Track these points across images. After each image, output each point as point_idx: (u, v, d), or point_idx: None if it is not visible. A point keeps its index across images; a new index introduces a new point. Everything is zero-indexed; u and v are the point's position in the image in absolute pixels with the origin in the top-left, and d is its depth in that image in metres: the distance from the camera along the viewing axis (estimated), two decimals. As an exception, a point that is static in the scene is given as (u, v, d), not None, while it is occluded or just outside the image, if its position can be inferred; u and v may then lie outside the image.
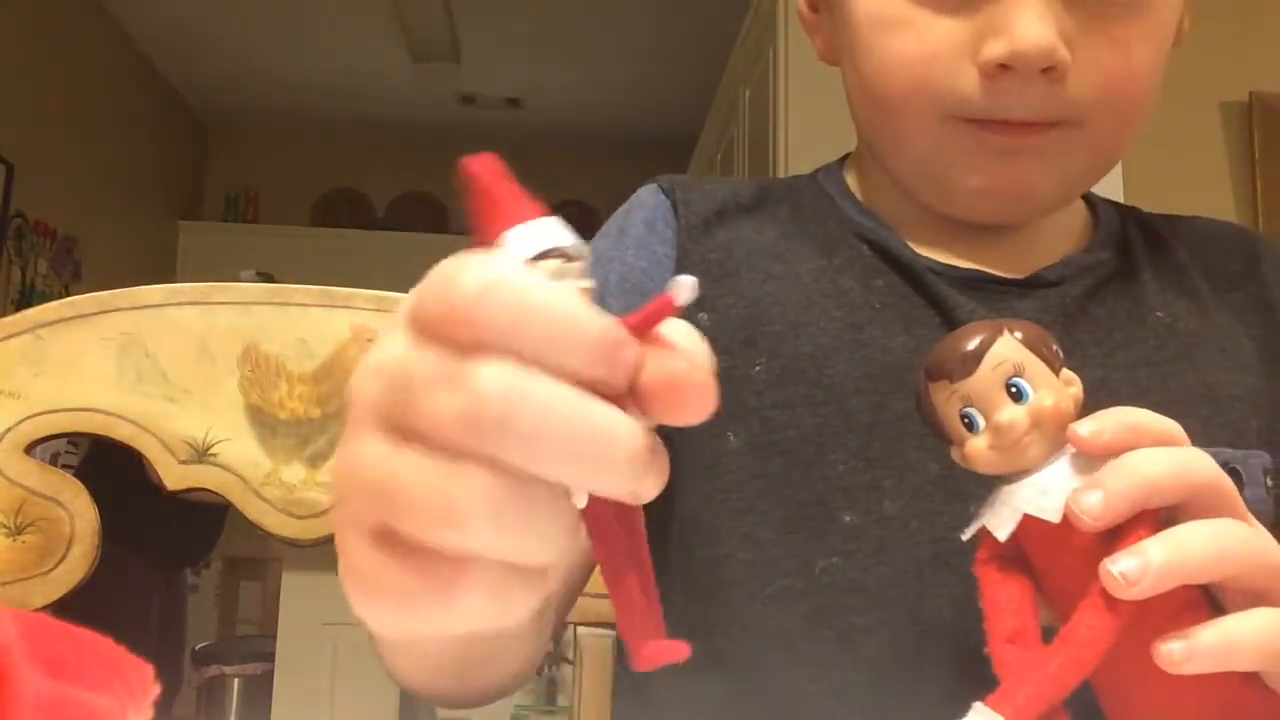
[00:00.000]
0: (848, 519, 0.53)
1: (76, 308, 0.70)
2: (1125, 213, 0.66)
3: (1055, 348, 0.36)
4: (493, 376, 0.25)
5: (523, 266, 0.26)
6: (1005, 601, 0.36)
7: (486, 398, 0.25)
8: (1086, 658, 0.33)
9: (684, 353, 0.27)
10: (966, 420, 0.35)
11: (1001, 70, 0.52)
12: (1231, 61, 2.44)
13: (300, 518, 0.70)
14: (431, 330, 0.26)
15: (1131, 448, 0.35)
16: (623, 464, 0.25)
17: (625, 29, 4.14)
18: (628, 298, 0.60)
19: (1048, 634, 0.35)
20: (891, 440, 0.53)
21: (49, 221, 3.80)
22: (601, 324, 0.26)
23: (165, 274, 4.66)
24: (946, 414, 0.36)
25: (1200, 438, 0.38)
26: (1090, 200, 0.66)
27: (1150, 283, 0.60)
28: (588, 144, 5.15)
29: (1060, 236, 0.62)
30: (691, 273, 0.63)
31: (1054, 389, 0.35)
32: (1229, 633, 0.34)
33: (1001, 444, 0.35)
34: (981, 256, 0.59)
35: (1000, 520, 0.36)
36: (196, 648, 3.08)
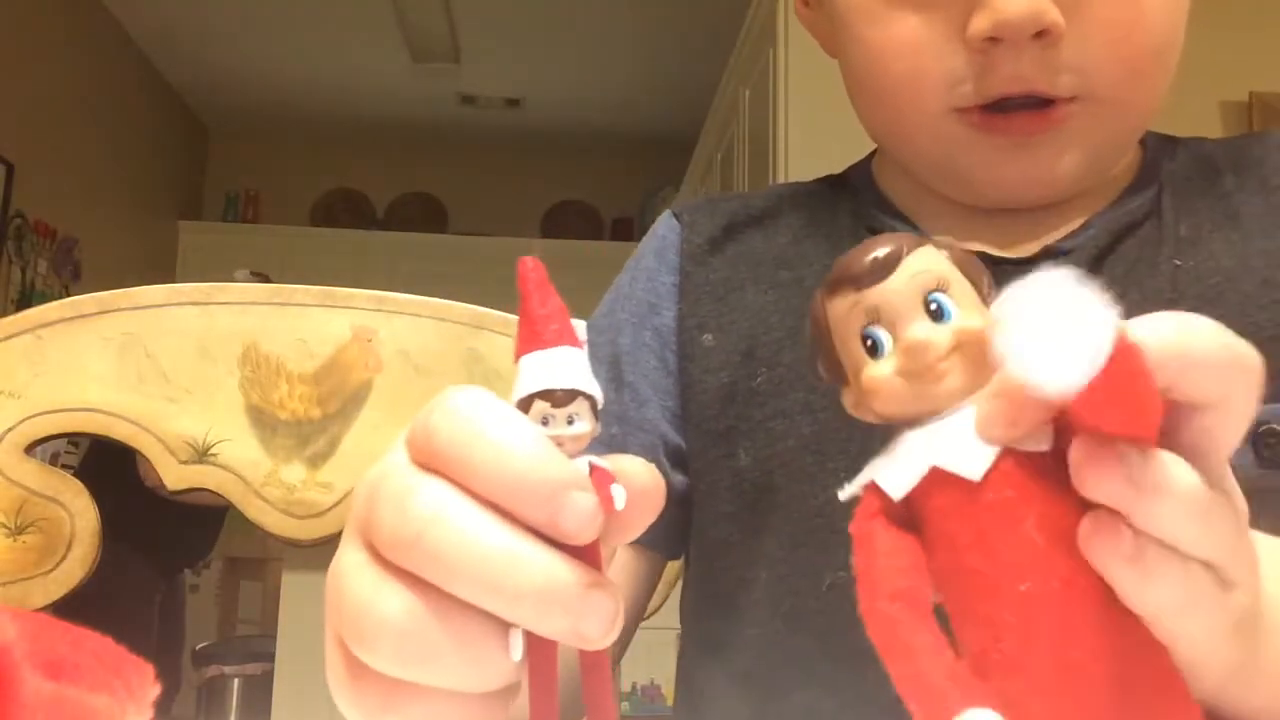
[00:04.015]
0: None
1: (77, 308, 0.70)
2: (1180, 146, 0.61)
3: (988, 280, 0.29)
4: (424, 497, 0.26)
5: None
6: (893, 559, 0.27)
7: (411, 515, 0.26)
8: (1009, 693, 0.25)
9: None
10: (870, 342, 0.28)
11: (992, 44, 0.49)
12: (1231, 61, 2.43)
13: (300, 518, 0.70)
14: (417, 462, 0.27)
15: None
16: (534, 596, 0.25)
17: (625, 29, 4.14)
18: (638, 333, 0.60)
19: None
20: None
21: (49, 221, 3.80)
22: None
23: (165, 274, 4.66)
24: (845, 334, 0.29)
25: None
26: (1143, 140, 0.61)
27: (1176, 224, 0.55)
28: (588, 144, 5.14)
29: (1093, 196, 0.57)
30: (693, 296, 0.57)
31: (982, 315, 0.28)
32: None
33: (913, 367, 0.27)
34: (998, 236, 0.56)
35: (898, 473, 0.28)
36: (196, 648, 3.07)
